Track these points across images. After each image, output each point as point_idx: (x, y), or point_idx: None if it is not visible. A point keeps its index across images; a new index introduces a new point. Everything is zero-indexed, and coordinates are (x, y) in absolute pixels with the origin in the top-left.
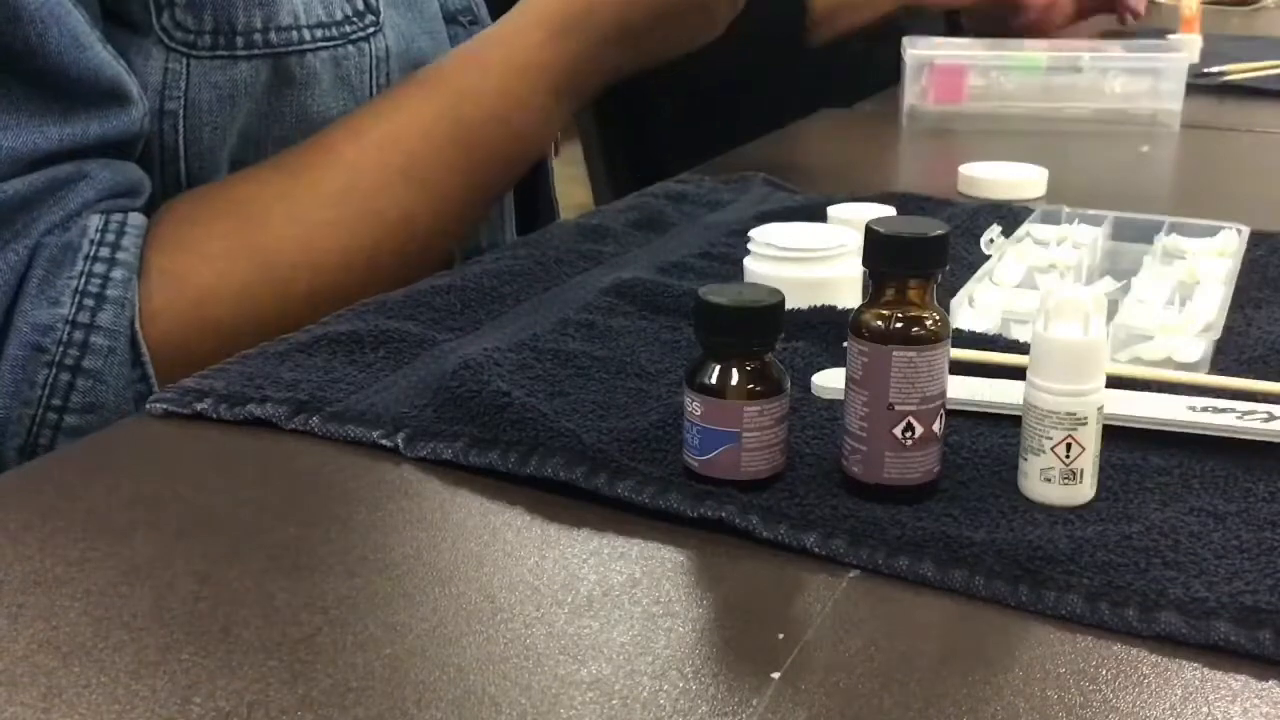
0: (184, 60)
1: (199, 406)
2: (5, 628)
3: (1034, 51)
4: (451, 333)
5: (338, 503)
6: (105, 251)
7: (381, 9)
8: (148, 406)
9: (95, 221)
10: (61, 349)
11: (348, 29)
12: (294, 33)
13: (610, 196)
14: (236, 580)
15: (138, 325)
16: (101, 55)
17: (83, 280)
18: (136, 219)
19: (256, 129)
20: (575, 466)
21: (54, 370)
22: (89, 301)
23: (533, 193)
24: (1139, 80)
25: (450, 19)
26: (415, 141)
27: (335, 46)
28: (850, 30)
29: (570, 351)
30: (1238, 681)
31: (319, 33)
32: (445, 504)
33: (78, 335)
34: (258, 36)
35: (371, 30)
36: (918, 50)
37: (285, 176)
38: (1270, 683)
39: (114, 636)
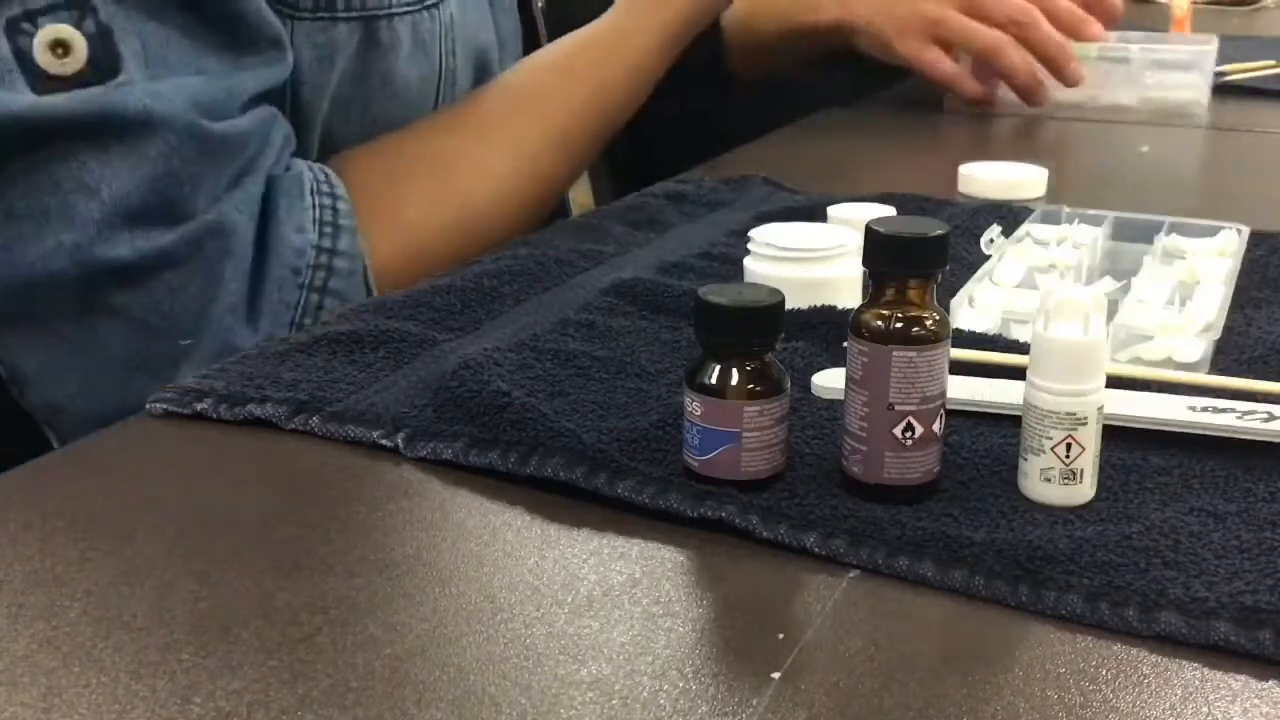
0: (289, 22)
1: (199, 406)
2: (5, 628)
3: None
4: (451, 333)
5: (338, 503)
6: (326, 187)
7: None
8: (148, 406)
9: (302, 164)
10: (311, 271)
11: None
12: None
13: (610, 197)
14: (236, 580)
15: (368, 252)
16: (260, 4)
17: (319, 212)
18: (318, 165)
19: (346, 89)
20: (575, 466)
21: (305, 291)
22: (328, 229)
23: None
24: (1170, 73)
25: None
26: (568, 121)
27: (415, 12)
28: (773, 70)
29: (570, 351)
30: (1238, 681)
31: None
32: (445, 504)
33: (323, 259)
34: (355, 0)
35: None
36: None
37: (460, 139)
38: (1270, 683)
39: (114, 636)
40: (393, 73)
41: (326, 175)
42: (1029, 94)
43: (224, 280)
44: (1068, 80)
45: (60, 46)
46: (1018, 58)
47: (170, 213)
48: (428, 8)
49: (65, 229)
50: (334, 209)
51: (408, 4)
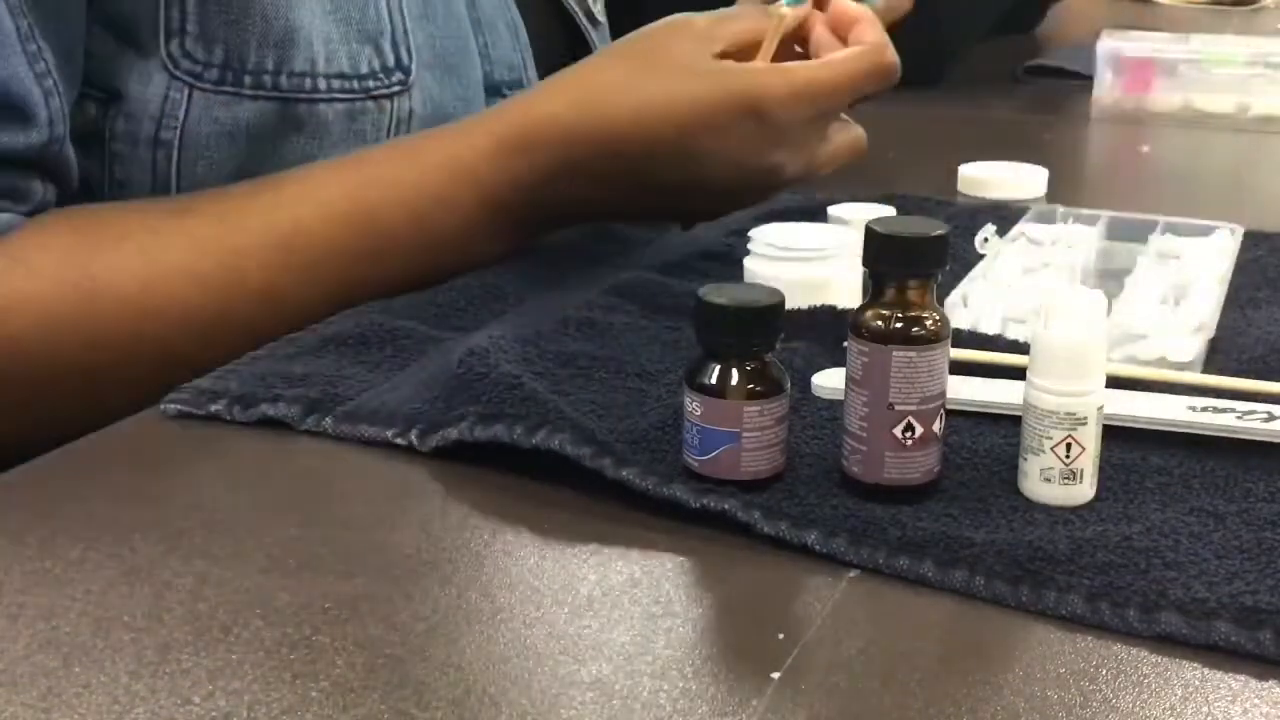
0: (186, 90)
1: (214, 408)
2: (5, 628)
3: (1232, 47)
4: (456, 331)
5: (338, 503)
6: None
7: (414, 69)
8: (161, 408)
9: None
10: None
11: (370, 84)
12: (307, 80)
13: None
14: (236, 580)
15: None
16: (16, 69)
17: None
18: (6, 216)
19: (257, 170)
20: (582, 445)
21: None
22: None
23: None
24: None
25: (494, 90)
26: (307, 213)
27: (353, 100)
28: None
29: (571, 352)
30: (1238, 681)
31: (336, 83)
32: (445, 504)
33: None
34: (267, 78)
35: (397, 89)
36: (1109, 42)
37: (165, 215)
38: (1270, 683)
39: (114, 636)
40: (314, 158)
41: None
42: None
43: None
44: None
45: None
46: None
47: None
48: (374, 97)
49: None
50: None
51: (344, 90)
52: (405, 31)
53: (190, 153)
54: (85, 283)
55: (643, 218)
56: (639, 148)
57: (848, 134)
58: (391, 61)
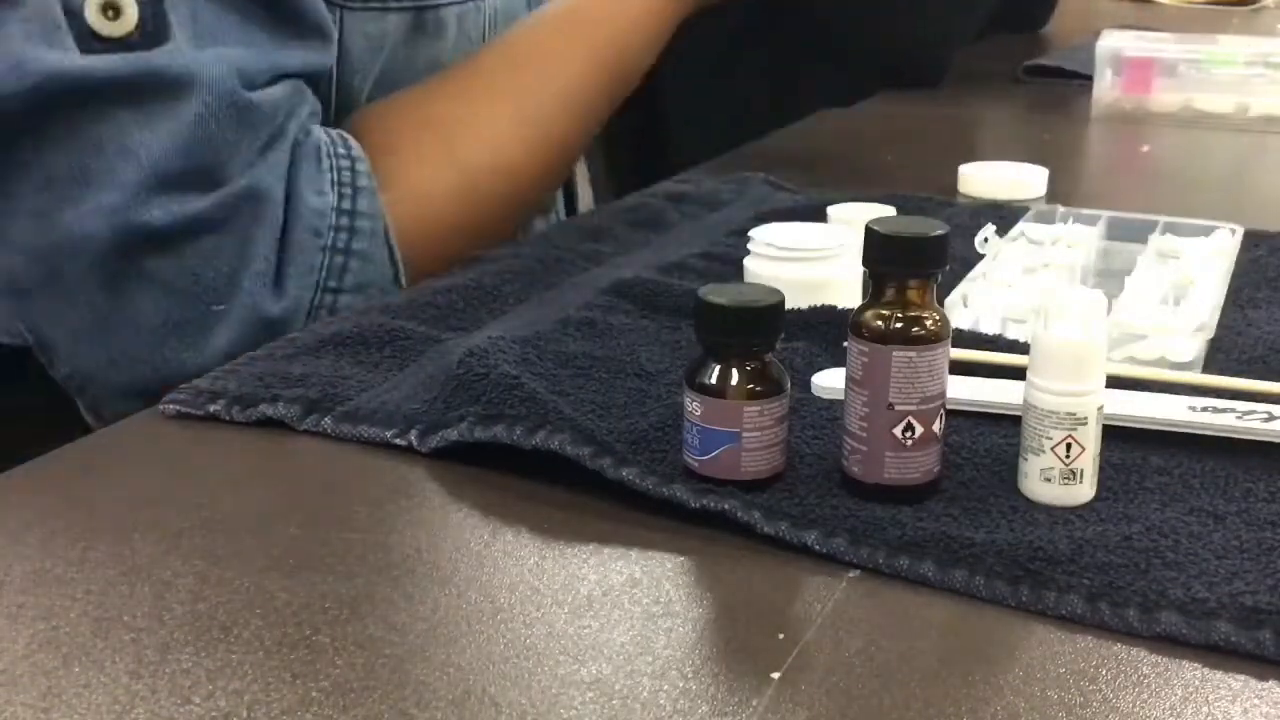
0: (338, 11)
1: (212, 408)
2: (5, 628)
3: (1232, 47)
4: (455, 332)
5: (338, 503)
6: (341, 150)
7: None
8: (160, 408)
9: (319, 130)
10: (333, 233)
11: None
12: None
13: (610, 197)
14: (236, 580)
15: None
16: None
17: (338, 174)
18: (338, 132)
19: (392, 74)
20: (582, 445)
21: (328, 254)
22: (346, 190)
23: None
24: None
25: None
26: (569, 72)
27: (462, 3)
28: None
29: (570, 352)
30: (1238, 681)
31: None
32: (445, 504)
33: (344, 220)
34: None
35: None
36: (1108, 42)
37: (462, 103)
38: (1270, 683)
39: (114, 636)
40: (439, 61)
41: (344, 139)
42: None
43: (256, 246)
44: None
45: (111, 9)
46: None
47: (205, 179)
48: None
49: (104, 191)
50: (352, 170)
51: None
52: None
53: (345, 66)
54: (457, 164)
55: None
56: None
57: None
58: None
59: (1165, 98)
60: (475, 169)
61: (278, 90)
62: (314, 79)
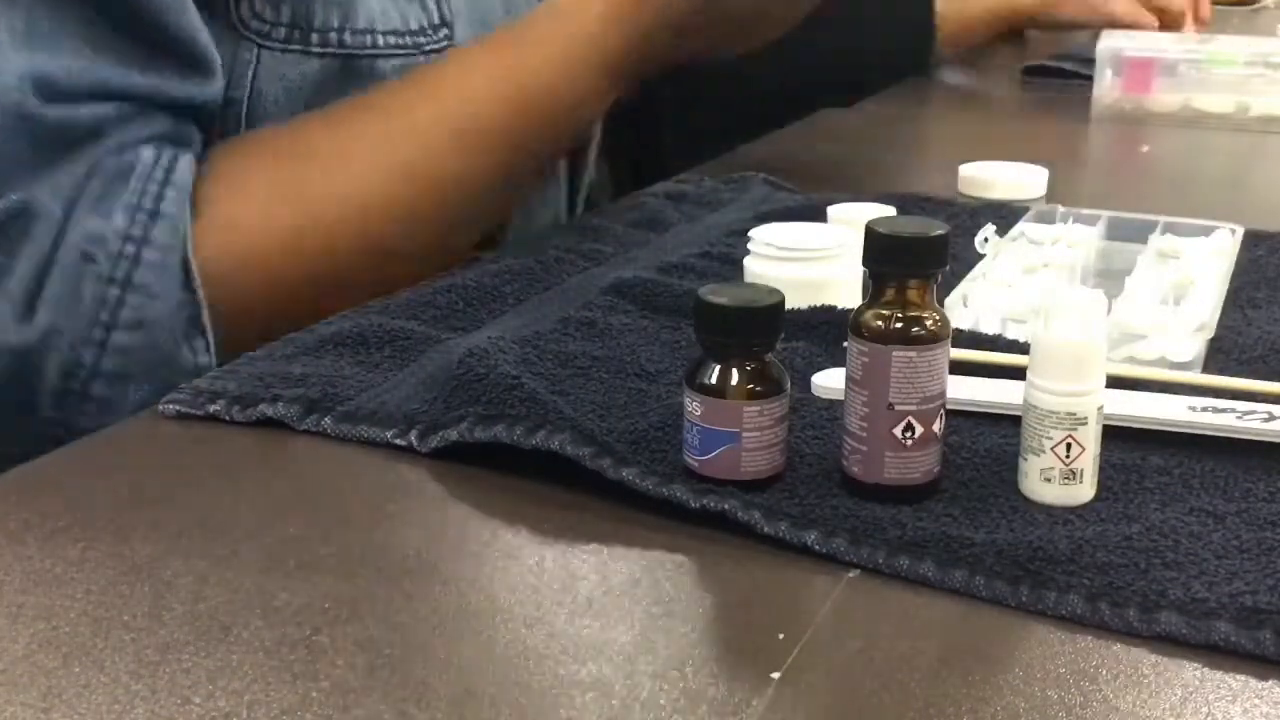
0: (255, 50)
1: (212, 408)
2: (5, 628)
3: (1232, 47)
4: (455, 332)
5: (338, 503)
6: (160, 174)
7: (455, 25)
8: (160, 408)
9: (149, 151)
10: (112, 262)
11: (421, 39)
12: (368, 36)
13: (610, 197)
14: (236, 580)
15: (190, 247)
16: (197, 23)
17: (137, 197)
18: (187, 156)
19: None
20: (582, 445)
21: (104, 284)
22: (142, 217)
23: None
24: None
25: None
26: (468, 102)
27: (407, 55)
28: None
29: (571, 352)
30: (1238, 681)
31: (392, 39)
32: (445, 504)
33: (129, 249)
34: (333, 35)
35: (444, 44)
36: (1108, 42)
37: (332, 126)
38: (1270, 683)
39: (114, 636)
40: None
41: (173, 163)
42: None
43: (14, 267)
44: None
45: None
46: None
47: None
48: (424, 52)
49: None
50: (159, 195)
51: (399, 47)
52: None
53: (257, 109)
54: (303, 201)
55: (706, 53)
56: None
57: None
58: (437, 19)
59: (1165, 98)
60: (321, 200)
61: (99, 109)
62: (185, 108)
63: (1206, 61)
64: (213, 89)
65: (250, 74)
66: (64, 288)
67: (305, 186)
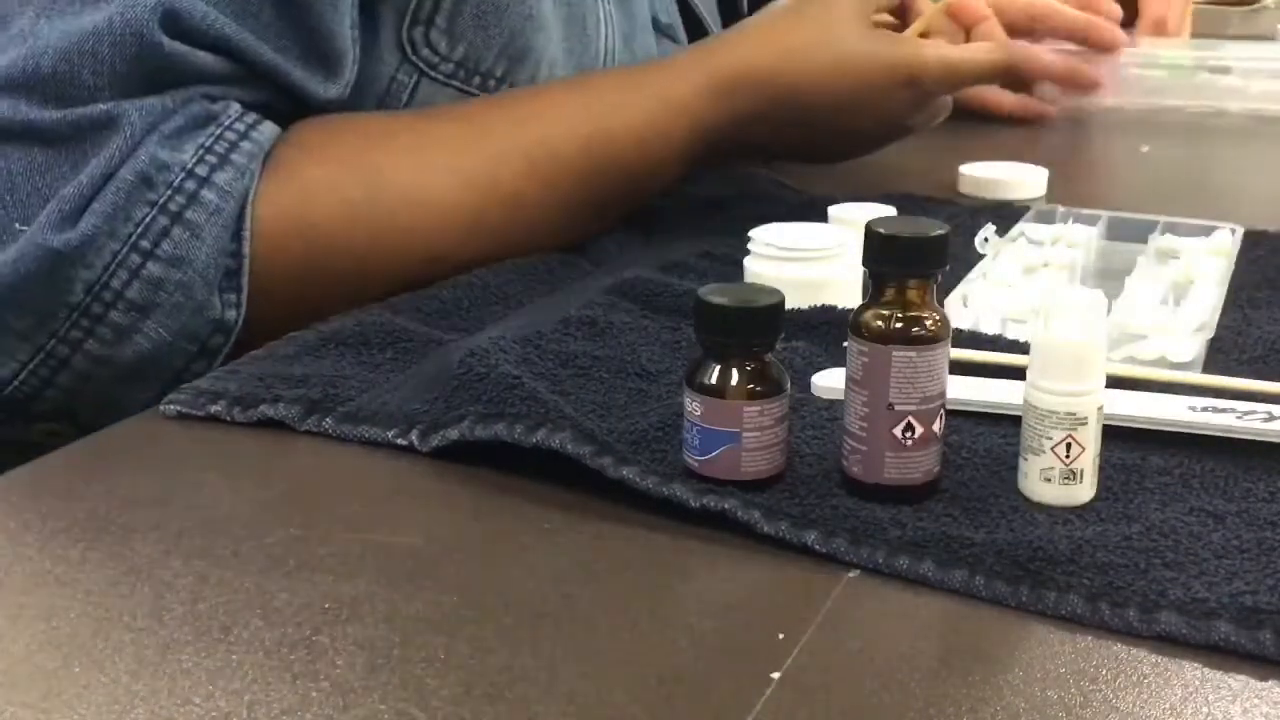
0: (416, 75)
1: (213, 409)
2: (5, 628)
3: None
4: (457, 332)
5: (338, 503)
6: (240, 127)
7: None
8: (160, 408)
9: (237, 107)
10: (170, 192)
11: None
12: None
13: None
14: (236, 580)
15: (251, 200)
16: (344, 28)
17: (212, 140)
18: (271, 124)
19: None
20: (583, 444)
21: (155, 211)
22: (211, 159)
23: None
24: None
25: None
26: (548, 131)
27: None
28: None
29: (571, 352)
30: (1238, 681)
31: None
32: (445, 504)
33: (190, 185)
34: (494, 83)
35: None
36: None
37: (418, 123)
38: (1270, 683)
39: (114, 636)
40: None
41: (258, 123)
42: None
43: (77, 175)
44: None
45: None
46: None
47: (67, 91)
48: None
49: None
50: (234, 145)
51: None
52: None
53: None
54: (371, 172)
55: (791, 157)
56: (822, 99)
57: (946, 100)
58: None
59: (1164, 98)
60: (389, 189)
61: (215, 62)
62: (298, 97)
63: (1205, 62)
64: (333, 90)
65: (406, 95)
66: (115, 204)
67: (376, 171)
